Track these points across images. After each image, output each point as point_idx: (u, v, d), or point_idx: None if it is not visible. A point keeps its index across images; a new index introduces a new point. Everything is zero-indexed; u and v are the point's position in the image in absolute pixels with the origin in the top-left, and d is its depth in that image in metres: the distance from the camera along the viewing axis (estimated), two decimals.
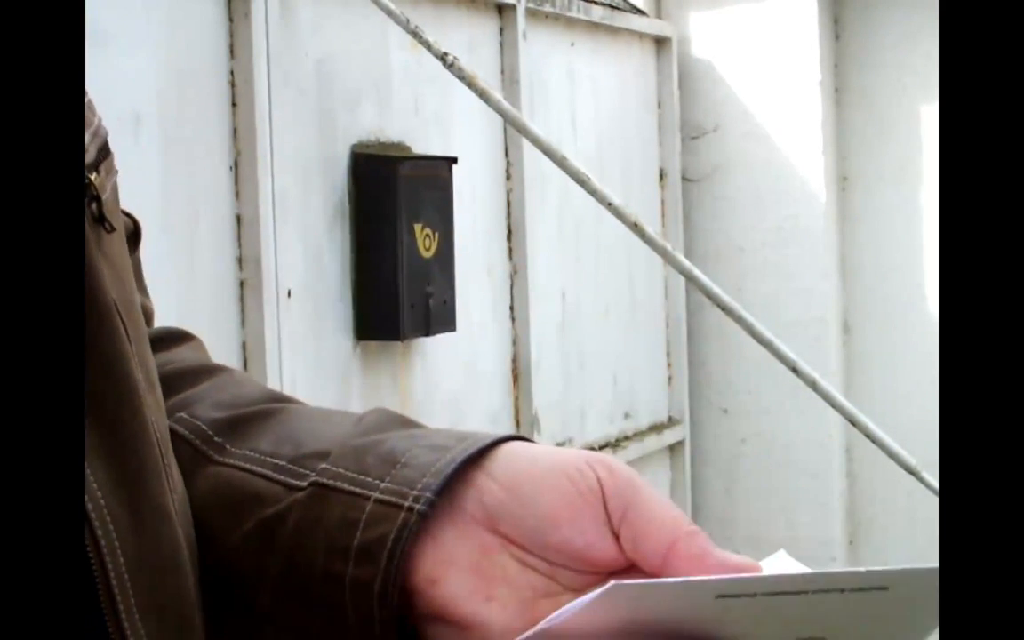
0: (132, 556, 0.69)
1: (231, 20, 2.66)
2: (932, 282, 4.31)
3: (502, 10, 3.52)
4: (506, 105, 2.80)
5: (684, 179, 4.42)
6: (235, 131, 2.66)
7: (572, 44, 3.89)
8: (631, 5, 4.28)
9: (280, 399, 0.85)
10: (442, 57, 2.66)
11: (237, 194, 2.67)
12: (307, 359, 2.81)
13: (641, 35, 4.27)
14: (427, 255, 3.01)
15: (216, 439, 0.82)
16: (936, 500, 2.39)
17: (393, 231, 2.93)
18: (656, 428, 4.30)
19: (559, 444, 3.62)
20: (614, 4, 4.12)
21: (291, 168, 2.77)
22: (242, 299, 2.68)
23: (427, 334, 3.04)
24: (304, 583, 0.75)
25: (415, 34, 2.67)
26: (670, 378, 4.40)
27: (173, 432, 0.81)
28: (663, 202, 4.38)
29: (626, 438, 4.13)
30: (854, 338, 4.50)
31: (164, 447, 0.75)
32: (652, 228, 2.94)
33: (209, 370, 0.90)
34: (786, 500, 4.43)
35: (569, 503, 0.72)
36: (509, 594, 0.72)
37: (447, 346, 3.23)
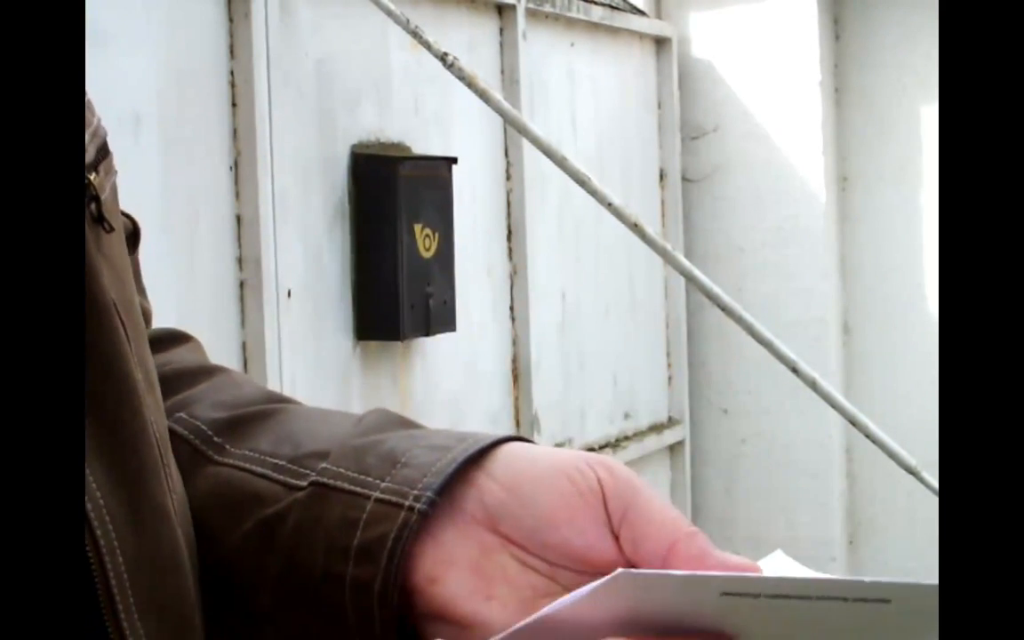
0: (131, 556, 0.69)
1: (231, 20, 2.66)
2: (932, 282, 4.31)
3: (502, 10, 3.52)
4: (506, 105, 2.80)
5: (684, 179, 4.42)
6: (235, 131, 2.66)
7: (572, 44, 3.89)
8: (631, 5, 4.28)
9: (279, 399, 0.85)
10: (442, 57, 2.66)
11: (237, 194, 2.67)
12: (307, 359, 2.81)
13: (641, 35, 4.27)
14: (427, 255, 3.01)
15: (216, 439, 0.82)
16: (936, 500, 2.39)
17: (393, 231, 2.93)
18: (656, 428, 4.30)
19: (559, 444, 3.63)
20: (614, 4, 4.12)
21: (291, 168, 2.77)
22: (242, 299, 2.68)
23: (427, 334, 3.04)
24: (304, 583, 0.75)
25: (415, 34, 2.67)
26: (670, 378, 4.40)
27: (172, 432, 0.81)
28: (663, 202, 4.38)
29: (626, 438, 4.13)
30: (854, 338, 4.50)
31: (163, 447, 0.75)
32: (652, 228, 2.94)
33: (208, 371, 0.90)
34: (786, 500, 4.43)
35: (569, 503, 0.72)
36: (509, 593, 0.73)
37: (447, 346, 3.23)
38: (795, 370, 2.95)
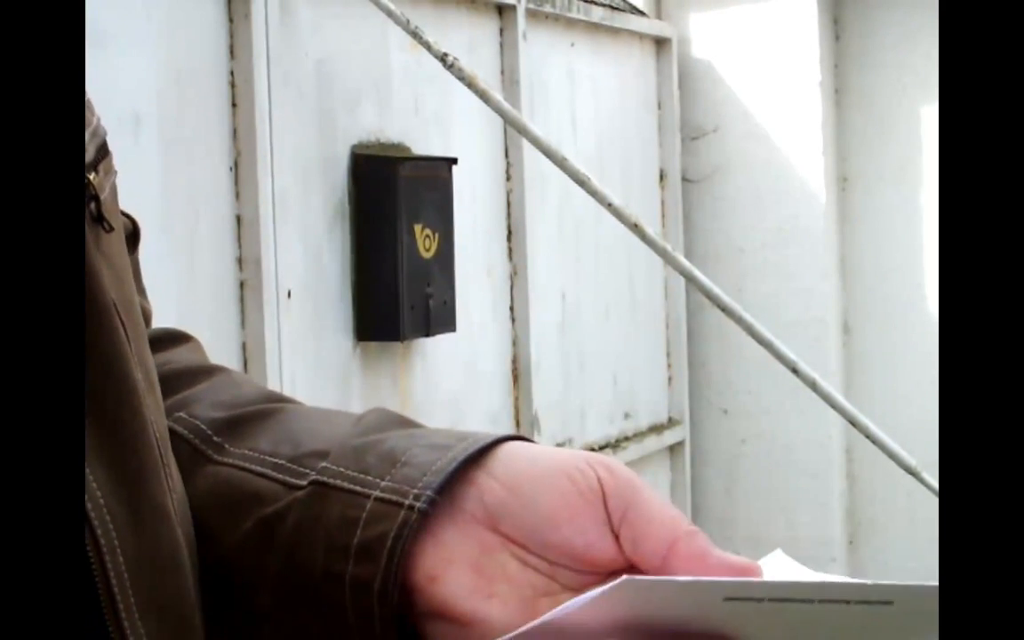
0: (132, 556, 0.69)
1: (231, 20, 2.66)
2: (932, 282, 4.31)
3: (502, 10, 3.52)
4: (506, 106, 2.80)
5: (684, 180, 4.42)
6: (235, 131, 2.66)
7: (572, 44, 3.89)
8: (631, 6, 4.28)
9: (279, 399, 0.85)
10: (442, 58, 2.66)
11: (237, 194, 2.67)
12: (307, 360, 2.82)
13: (641, 36, 4.27)
14: (427, 256, 3.01)
15: (215, 439, 0.82)
16: (936, 500, 2.39)
17: (393, 232, 2.94)
18: (656, 429, 4.30)
19: (559, 444, 3.63)
20: (614, 5, 4.12)
21: (291, 168, 2.77)
22: (242, 300, 2.69)
23: (427, 335, 3.04)
24: (304, 582, 0.75)
25: (415, 34, 2.67)
26: (670, 378, 4.40)
27: (172, 432, 0.81)
28: (663, 203, 4.38)
29: (626, 438, 4.13)
30: (854, 338, 4.50)
31: (163, 447, 0.75)
32: (652, 229, 2.94)
33: (207, 370, 0.90)
34: (786, 500, 4.43)
35: (569, 503, 0.72)
36: (509, 592, 0.73)
37: (447, 347, 3.23)
38: (795, 370, 2.95)
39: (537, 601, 0.72)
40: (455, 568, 0.73)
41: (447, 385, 3.28)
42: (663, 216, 4.37)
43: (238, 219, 2.68)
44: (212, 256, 2.62)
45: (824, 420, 4.20)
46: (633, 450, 4.08)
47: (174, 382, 0.87)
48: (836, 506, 4.43)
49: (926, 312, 4.32)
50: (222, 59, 2.65)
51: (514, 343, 3.56)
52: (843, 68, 4.46)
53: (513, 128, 3.10)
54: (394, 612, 0.73)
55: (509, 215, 3.55)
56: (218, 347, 2.56)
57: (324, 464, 0.77)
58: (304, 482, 0.77)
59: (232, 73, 2.66)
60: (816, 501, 4.41)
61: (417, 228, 2.97)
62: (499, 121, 3.30)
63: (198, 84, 2.59)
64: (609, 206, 2.80)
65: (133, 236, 0.91)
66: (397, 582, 0.72)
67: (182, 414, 0.83)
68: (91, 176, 0.74)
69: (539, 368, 3.61)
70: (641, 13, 4.33)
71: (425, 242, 3.00)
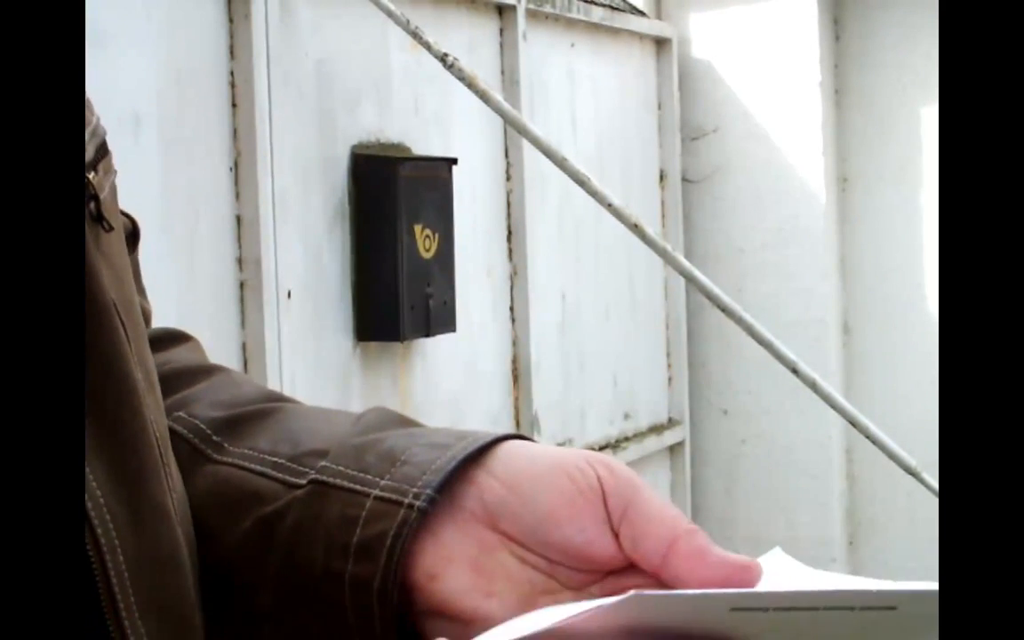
0: (132, 555, 0.69)
1: (231, 20, 2.66)
2: (932, 282, 4.31)
3: (502, 11, 3.52)
4: (506, 106, 2.80)
5: (684, 180, 4.42)
6: (235, 131, 2.67)
7: (572, 45, 3.89)
8: (631, 6, 4.28)
9: (278, 398, 0.85)
10: (442, 58, 2.66)
11: (237, 194, 2.67)
12: (307, 360, 2.82)
13: (641, 36, 4.27)
14: (427, 256, 3.01)
15: (215, 438, 0.82)
16: (936, 500, 2.40)
17: (393, 232, 2.94)
18: (656, 429, 4.30)
19: (559, 445, 3.62)
20: (614, 5, 4.12)
21: (291, 168, 2.77)
22: (242, 300, 2.69)
23: (427, 335, 3.04)
24: (303, 581, 0.75)
25: (415, 35, 2.67)
26: (670, 379, 4.40)
27: (172, 431, 0.81)
28: (663, 203, 4.38)
29: (626, 439, 4.13)
30: (854, 339, 4.50)
31: (163, 447, 0.75)
32: (652, 229, 2.94)
33: (207, 370, 0.90)
34: (786, 500, 4.43)
35: (569, 501, 0.72)
36: (509, 590, 0.73)
37: (447, 347, 3.23)
38: (795, 371, 2.95)
39: (536, 599, 0.72)
40: (455, 566, 0.73)
41: (447, 385, 3.28)
42: (663, 216, 4.37)
43: (238, 219, 2.68)
44: (212, 256, 2.62)
45: (824, 420, 4.20)
46: (633, 450, 4.08)
47: (174, 382, 0.87)
48: (836, 506, 4.43)
49: (926, 312, 4.32)
50: (222, 59, 2.65)
51: (514, 343, 3.56)
52: (843, 68, 4.46)
53: (513, 128, 3.10)
54: (394, 611, 0.73)
55: (509, 215, 3.55)
56: (218, 347, 2.56)
57: (324, 463, 0.77)
58: (303, 481, 0.77)
59: (232, 73, 2.66)
60: (816, 501, 4.41)
61: (417, 228, 2.97)
62: (499, 121, 3.30)
63: (198, 84, 2.59)
64: (609, 206, 2.80)
65: (133, 236, 0.91)
66: (397, 581, 0.72)
67: (182, 414, 0.83)
68: (91, 175, 0.74)
69: (539, 368, 3.61)
70: (641, 13, 4.33)
71: (425, 242, 3.00)
